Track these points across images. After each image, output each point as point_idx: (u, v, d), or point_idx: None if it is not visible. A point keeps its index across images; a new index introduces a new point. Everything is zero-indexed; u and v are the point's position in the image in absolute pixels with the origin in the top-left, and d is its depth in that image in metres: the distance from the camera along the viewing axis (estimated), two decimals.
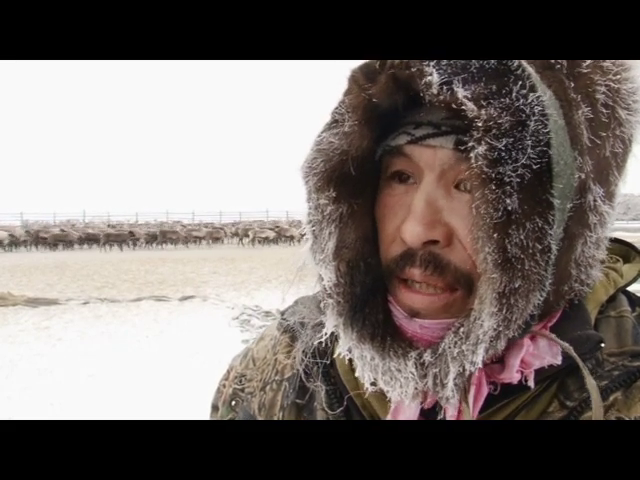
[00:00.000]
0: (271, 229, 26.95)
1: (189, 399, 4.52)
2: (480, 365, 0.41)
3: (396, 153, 0.46)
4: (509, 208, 0.37)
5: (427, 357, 0.44)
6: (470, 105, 0.38)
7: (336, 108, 0.45)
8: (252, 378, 0.63)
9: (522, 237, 0.38)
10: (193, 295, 10.15)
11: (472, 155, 0.38)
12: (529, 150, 0.37)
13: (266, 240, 25.55)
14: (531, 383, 0.45)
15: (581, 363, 0.44)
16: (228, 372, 0.68)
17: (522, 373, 0.45)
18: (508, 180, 0.37)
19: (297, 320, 0.60)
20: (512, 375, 0.45)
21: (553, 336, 0.46)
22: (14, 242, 24.23)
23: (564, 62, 0.43)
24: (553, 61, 0.43)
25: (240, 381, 0.64)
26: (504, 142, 0.37)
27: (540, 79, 0.41)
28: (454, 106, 0.39)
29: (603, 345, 0.48)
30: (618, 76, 0.45)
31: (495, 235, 0.38)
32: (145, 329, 7.40)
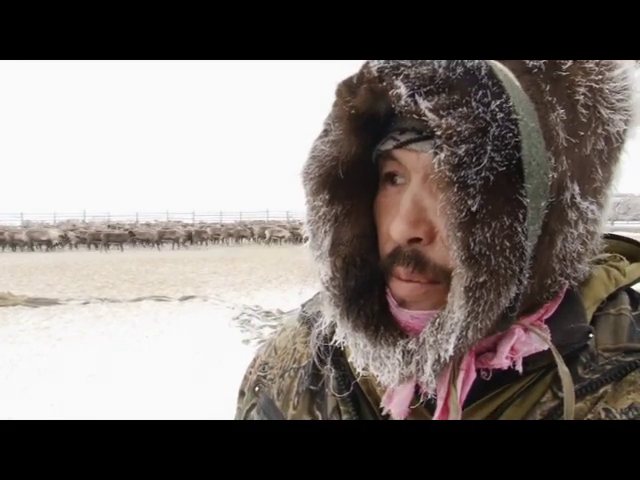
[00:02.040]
0: (285, 228, 28.75)
1: (189, 399, 4.52)
2: (451, 353, 0.43)
3: (387, 157, 0.49)
4: (472, 209, 0.40)
5: (411, 345, 0.47)
6: (431, 115, 0.41)
7: (326, 118, 0.50)
8: (273, 366, 0.67)
9: (487, 235, 0.40)
10: (193, 295, 10.16)
11: (434, 161, 0.41)
12: (492, 154, 0.39)
13: (282, 239, 27.33)
14: (519, 367, 0.47)
15: (555, 350, 0.46)
16: (254, 360, 0.72)
17: (511, 359, 0.48)
18: (471, 183, 0.40)
19: (314, 311, 0.64)
20: (501, 361, 0.47)
21: (535, 328, 0.48)
22: (64, 242, 25.05)
23: (542, 66, 0.46)
24: (531, 65, 0.46)
25: (263, 368, 0.68)
26: (464, 148, 0.39)
27: (519, 83, 0.44)
28: (415, 117, 0.42)
29: (592, 335, 0.50)
30: (600, 76, 0.47)
31: (459, 234, 0.41)
32: (145, 329, 7.41)
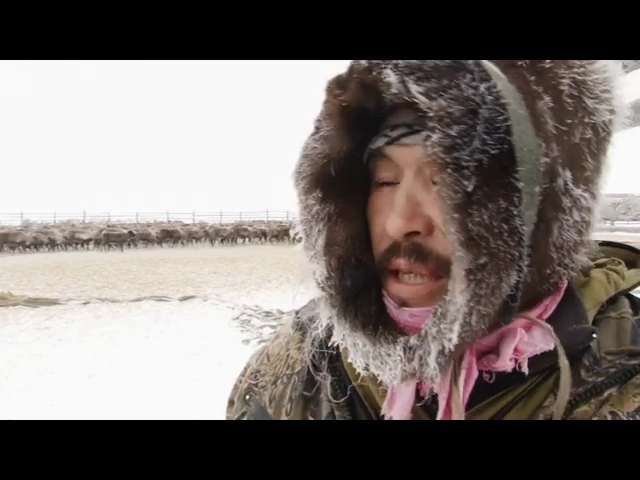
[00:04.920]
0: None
1: (189, 399, 4.52)
2: (456, 342, 0.43)
3: (378, 155, 0.49)
4: (468, 190, 0.40)
5: (413, 340, 0.46)
6: (422, 98, 0.41)
7: (317, 116, 0.50)
8: (265, 373, 0.67)
9: (485, 217, 0.40)
10: (193, 295, 10.16)
11: (428, 143, 0.41)
12: (484, 136, 0.40)
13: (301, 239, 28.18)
14: (525, 369, 0.47)
15: (557, 342, 0.46)
16: (245, 369, 0.71)
17: (516, 361, 0.47)
18: (465, 164, 0.40)
19: (308, 316, 0.64)
20: (505, 363, 0.47)
21: (540, 321, 0.48)
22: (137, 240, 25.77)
23: (527, 61, 0.47)
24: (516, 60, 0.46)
25: (255, 377, 0.68)
26: (456, 129, 0.40)
27: (505, 77, 0.44)
28: (408, 100, 0.42)
29: (595, 335, 0.50)
30: (582, 69, 0.48)
31: (456, 215, 0.41)
32: (145, 329, 7.41)
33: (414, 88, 0.41)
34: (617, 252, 0.60)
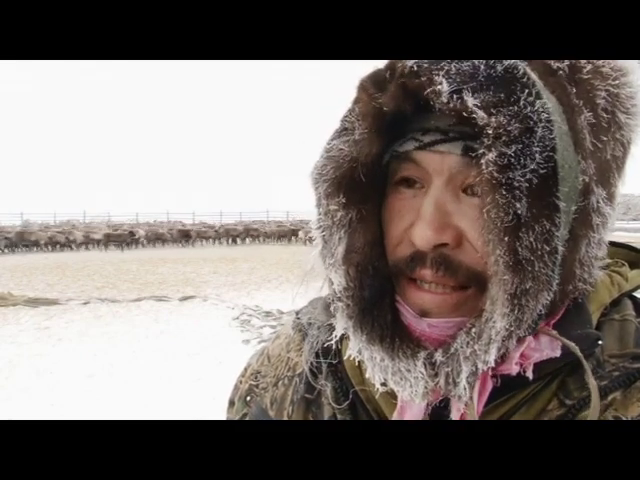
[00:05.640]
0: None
1: (189, 399, 4.52)
2: (492, 364, 0.42)
3: (404, 159, 0.47)
4: (519, 212, 0.39)
5: (438, 357, 0.45)
6: (480, 113, 0.39)
7: (346, 116, 0.47)
8: (266, 374, 0.65)
9: (532, 239, 0.39)
10: (193, 295, 10.15)
11: (483, 161, 0.40)
12: (537, 156, 0.38)
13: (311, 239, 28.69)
14: (529, 374, 0.46)
15: (585, 362, 0.44)
16: (245, 369, 0.70)
17: (521, 365, 0.46)
18: (517, 185, 0.39)
19: (307, 320, 0.62)
20: (511, 367, 0.46)
21: (557, 334, 0.46)
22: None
23: (566, 68, 0.45)
24: (555, 67, 0.45)
25: (255, 377, 0.66)
26: (513, 149, 0.38)
27: (544, 86, 0.42)
28: (464, 114, 0.40)
29: (601, 342, 0.49)
30: (617, 81, 0.46)
31: (506, 238, 0.39)
32: (145, 329, 7.40)
33: (471, 101, 0.39)
34: (618, 252, 0.59)
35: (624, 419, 0.46)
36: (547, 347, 0.47)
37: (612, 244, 0.60)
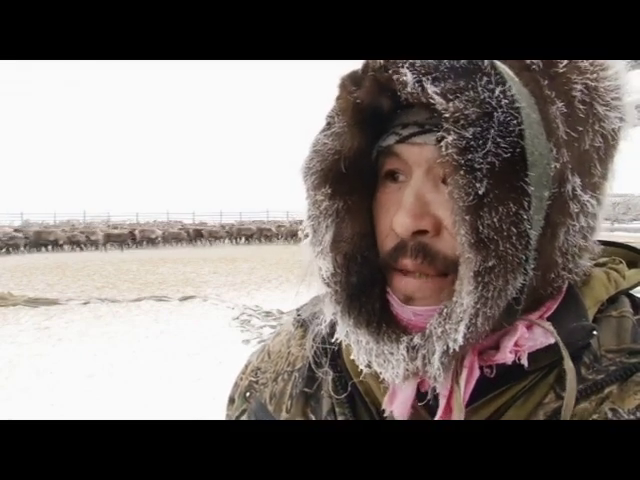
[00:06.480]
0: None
1: (189, 399, 4.52)
2: (461, 343, 0.43)
3: (387, 153, 0.49)
4: (480, 192, 0.40)
5: (417, 340, 0.46)
6: (438, 99, 0.41)
7: (329, 112, 0.50)
8: (266, 370, 0.67)
9: (495, 220, 0.41)
10: (193, 295, 10.16)
11: (442, 144, 0.41)
12: (498, 139, 0.40)
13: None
14: (525, 362, 0.47)
15: (562, 346, 0.46)
16: (246, 367, 0.71)
17: (516, 354, 0.48)
18: (478, 167, 0.40)
19: (310, 312, 0.64)
20: (505, 356, 0.47)
21: (550, 326, 0.48)
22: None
23: (540, 64, 0.47)
24: (529, 62, 0.47)
25: (255, 374, 0.68)
26: (471, 131, 0.40)
27: (518, 79, 0.44)
28: (424, 100, 0.42)
29: (595, 333, 0.50)
30: (595, 75, 0.48)
31: (468, 217, 0.41)
32: (145, 329, 7.41)
33: (431, 89, 0.42)
34: (617, 252, 0.60)
35: (621, 411, 0.47)
36: (541, 336, 0.48)
37: (611, 244, 0.61)
